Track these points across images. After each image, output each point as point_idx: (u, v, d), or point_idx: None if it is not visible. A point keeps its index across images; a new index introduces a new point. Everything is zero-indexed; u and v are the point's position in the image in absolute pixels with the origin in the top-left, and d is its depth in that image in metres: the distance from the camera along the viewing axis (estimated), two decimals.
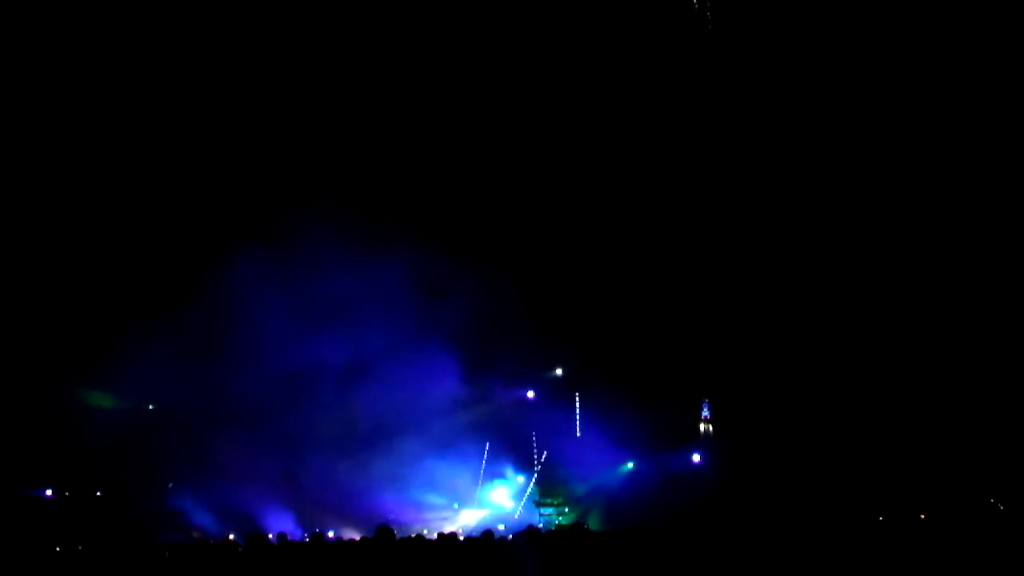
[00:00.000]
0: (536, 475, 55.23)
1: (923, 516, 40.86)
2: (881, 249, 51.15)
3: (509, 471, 55.39)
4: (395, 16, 50.58)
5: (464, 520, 53.95)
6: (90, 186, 49.86)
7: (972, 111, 49.44)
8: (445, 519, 53.70)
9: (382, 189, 51.58)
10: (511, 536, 32.52)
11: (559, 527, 50.34)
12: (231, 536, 47.15)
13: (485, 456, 54.29)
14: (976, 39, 48.66)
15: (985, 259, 49.88)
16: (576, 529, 39.18)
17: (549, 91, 51.66)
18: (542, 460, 55.08)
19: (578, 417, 54.73)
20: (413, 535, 37.03)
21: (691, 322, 52.22)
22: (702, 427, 54.71)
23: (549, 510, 54.06)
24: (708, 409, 54.55)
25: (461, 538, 31.49)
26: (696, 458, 54.35)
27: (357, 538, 33.35)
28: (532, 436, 55.18)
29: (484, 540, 29.33)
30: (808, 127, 51.07)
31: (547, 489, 55.00)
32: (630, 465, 53.89)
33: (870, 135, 50.78)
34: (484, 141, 51.75)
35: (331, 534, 49.18)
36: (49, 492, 50.82)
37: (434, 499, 53.89)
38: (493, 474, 55.11)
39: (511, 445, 55.23)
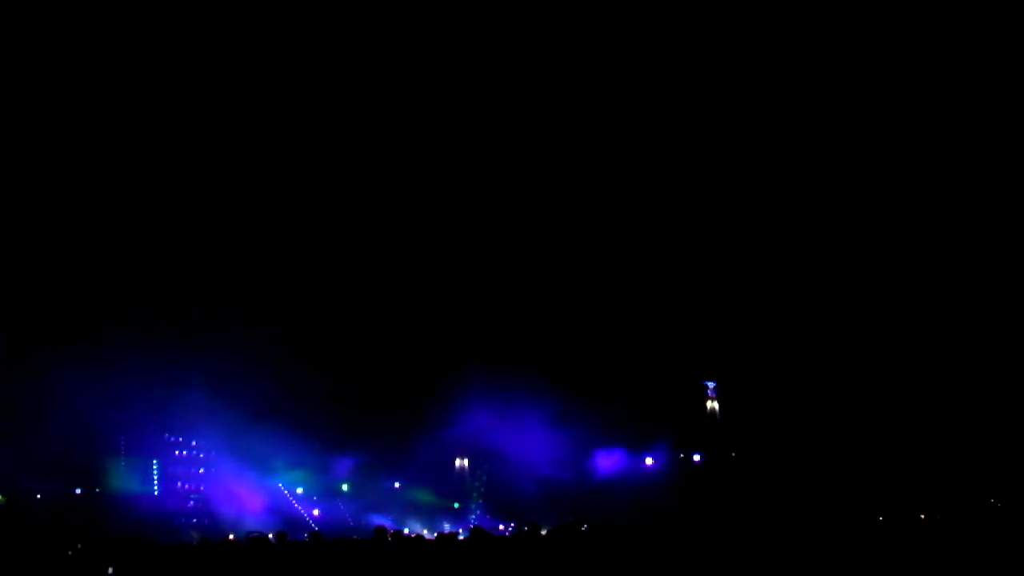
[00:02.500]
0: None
1: (923, 516, 40.89)
2: (881, 255, 51.23)
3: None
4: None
5: (462, 520, 53.95)
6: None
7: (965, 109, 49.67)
8: (445, 519, 53.73)
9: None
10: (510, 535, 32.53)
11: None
12: (231, 536, 47.15)
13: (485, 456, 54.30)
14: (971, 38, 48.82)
15: (987, 259, 49.96)
16: (575, 529, 39.05)
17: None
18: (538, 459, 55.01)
19: (577, 415, 54.46)
20: (413, 535, 37.05)
21: (698, 303, 52.25)
22: (708, 405, 54.31)
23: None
24: (715, 390, 54.19)
25: (460, 538, 31.51)
26: (696, 458, 54.22)
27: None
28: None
29: (483, 540, 29.30)
30: (799, 111, 51.29)
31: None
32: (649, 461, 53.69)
33: (865, 116, 51.08)
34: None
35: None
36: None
37: (434, 499, 53.92)
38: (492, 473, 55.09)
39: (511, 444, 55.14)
